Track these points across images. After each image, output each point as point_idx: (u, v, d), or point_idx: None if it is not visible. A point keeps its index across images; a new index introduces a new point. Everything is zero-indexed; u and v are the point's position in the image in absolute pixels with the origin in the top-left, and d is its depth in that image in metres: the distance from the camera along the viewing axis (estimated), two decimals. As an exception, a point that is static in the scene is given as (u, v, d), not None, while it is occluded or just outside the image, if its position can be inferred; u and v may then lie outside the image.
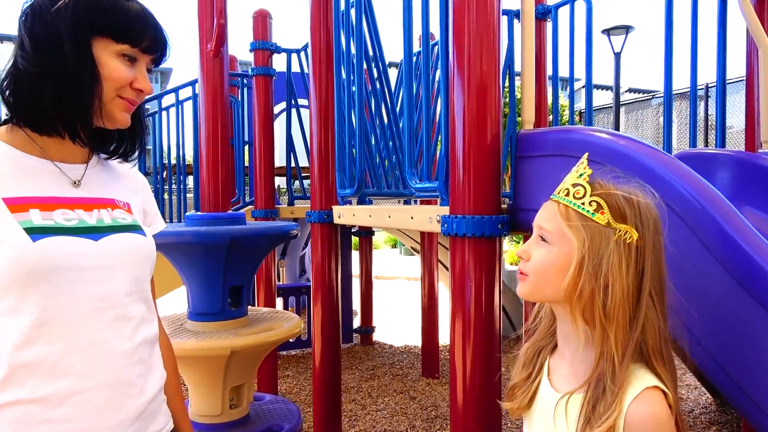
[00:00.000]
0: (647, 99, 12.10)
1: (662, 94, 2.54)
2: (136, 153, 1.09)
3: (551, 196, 0.95)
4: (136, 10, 0.96)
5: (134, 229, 1.03)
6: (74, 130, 0.94)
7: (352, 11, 2.24)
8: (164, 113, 4.32)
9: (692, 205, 1.01)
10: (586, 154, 0.93)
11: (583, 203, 0.87)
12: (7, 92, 0.92)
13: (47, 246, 0.88)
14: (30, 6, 0.92)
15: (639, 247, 0.85)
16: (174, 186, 4.66)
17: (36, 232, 0.88)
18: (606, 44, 9.12)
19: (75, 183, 0.98)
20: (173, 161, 4.59)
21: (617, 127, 9.02)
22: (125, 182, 1.11)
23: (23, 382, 0.87)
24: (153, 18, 0.99)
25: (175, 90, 4.29)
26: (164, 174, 4.89)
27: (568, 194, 0.90)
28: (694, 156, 1.80)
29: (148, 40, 0.97)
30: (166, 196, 4.70)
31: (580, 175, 0.90)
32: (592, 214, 0.86)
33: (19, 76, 0.91)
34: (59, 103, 0.91)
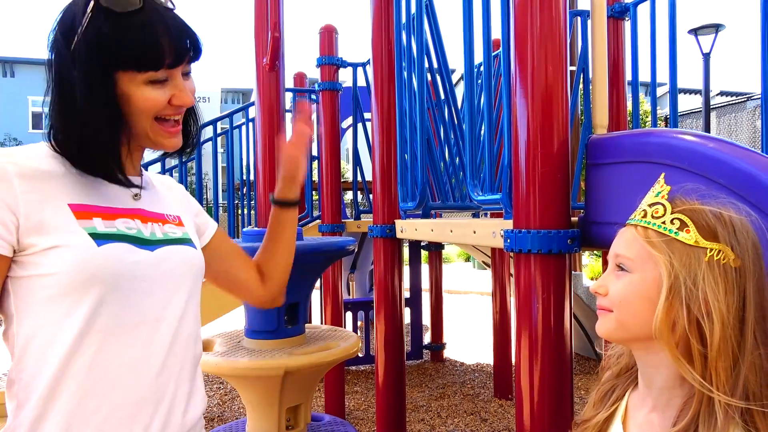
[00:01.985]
0: (741, 102, 11.24)
1: (758, 96, 2.28)
2: (191, 147, 1.06)
3: (627, 221, 0.82)
4: (143, 26, 0.86)
5: (185, 242, 1.01)
6: (107, 174, 0.91)
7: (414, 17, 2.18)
8: (236, 131, 4.43)
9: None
10: (663, 174, 0.80)
11: (663, 222, 0.74)
12: (50, 135, 0.91)
13: (111, 251, 0.87)
14: (52, 48, 0.88)
15: (737, 269, 0.70)
16: (245, 202, 4.77)
17: (101, 238, 0.87)
18: (694, 45, 8.56)
19: (135, 196, 0.97)
20: (245, 178, 4.69)
21: (707, 133, 8.40)
22: (171, 195, 1.10)
23: (73, 391, 0.85)
24: (167, 27, 0.88)
25: (245, 107, 4.40)
26: (238, 190, 5.02)
27: (645, 215, 0.77)
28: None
29: (170, 56, 0.88)
30: (239, 212, 4.82)
31: (657, 193, 0.78)
32: (676, 233, 0.73)
33: (52, 120, 0.90)
34: (82, 147, 0.88)
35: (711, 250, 0.71)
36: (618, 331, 0.79)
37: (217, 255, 1.18)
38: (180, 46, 0.90)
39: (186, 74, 0.95)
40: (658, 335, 0.73)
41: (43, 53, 0.91)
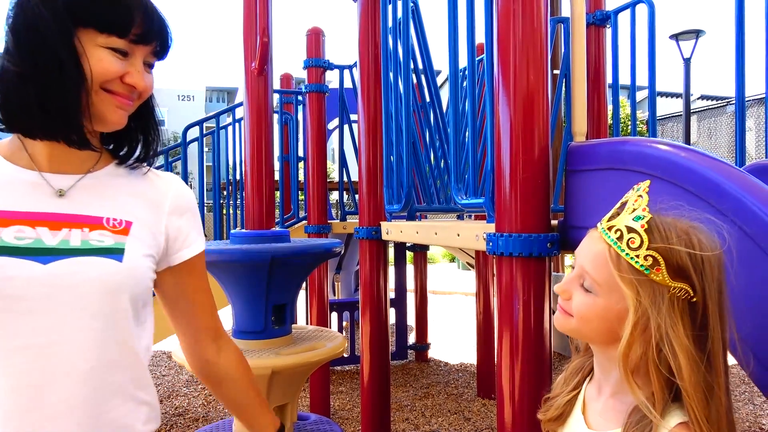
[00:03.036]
0: (721, 106, 11.44)
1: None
2: (151, 158, 0.99)
3: (598, 226, 0.83)
4: None
5: (107, 252, 0.86)
6: (64, 132, 0.84)
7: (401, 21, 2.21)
8: (222, 131, 4.42)
9: (766, 225, 0.90)
10: (646, 188, 0.80)
11: (637, 255, 0.76)
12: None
13: None
14: (17, 2, 0.84)
15: (699, 304, 0.74)
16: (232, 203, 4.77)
17: None
18: (675, 50, 8.71)
19: (59, 192, 0.86)
20: (231, 178, 4.69)
21: (688, 136, 8.55)
22: (145, 200, 0.95)
23: None
24: (146, 8, 0.86)
25: (232, 108, 4.40)
26: (224, 190, 5.02)
27: (621, 238, 0.78)
28: (769, 167, 1.64)
29: (138, 29, 0.84)
30: (224, 211, 4.82)
31: (637, 218, 0.78)
32: (647, 269, 0.75)
33: (4, 78, 0.83)
34: (45, 101, 0.81)
35: (674, 288, 0.74)
36: (574, 333, 0.85)
37: (174, 284, 1.02)
38: (151, 28, 0.87)
39: (148, 65, 0.91)
40: (620, 365, 0.76)
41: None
